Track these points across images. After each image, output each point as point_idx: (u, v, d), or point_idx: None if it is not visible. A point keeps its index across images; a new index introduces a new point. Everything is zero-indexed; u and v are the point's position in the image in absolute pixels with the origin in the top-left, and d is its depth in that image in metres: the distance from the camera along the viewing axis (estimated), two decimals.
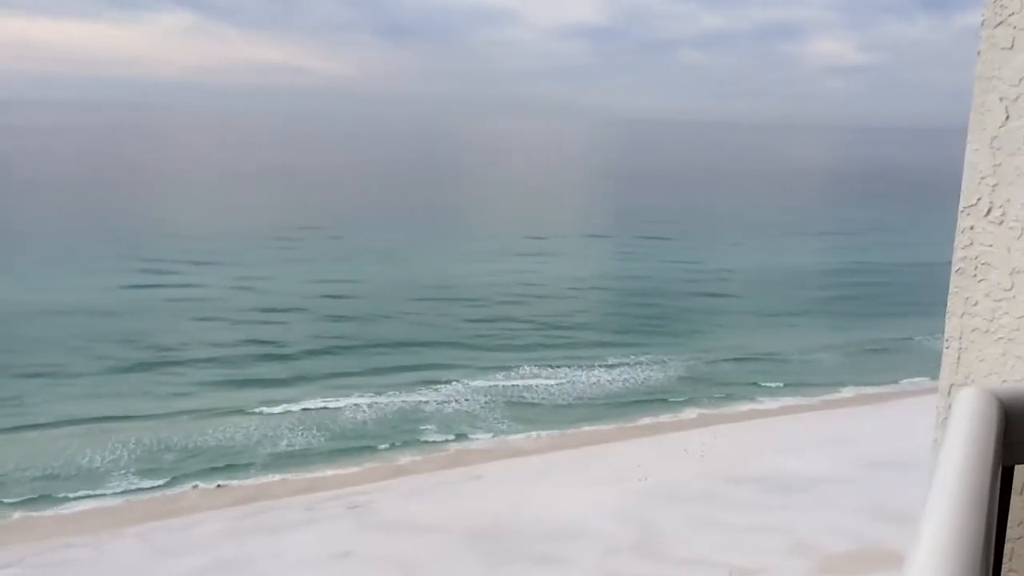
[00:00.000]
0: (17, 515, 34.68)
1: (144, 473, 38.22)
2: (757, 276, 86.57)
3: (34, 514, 34.83)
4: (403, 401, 48.49)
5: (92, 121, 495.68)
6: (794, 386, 53.77)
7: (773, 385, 53.70)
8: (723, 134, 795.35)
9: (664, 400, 50.80)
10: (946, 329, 2.66)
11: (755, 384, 53.84)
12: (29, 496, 35.97)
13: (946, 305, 2.67)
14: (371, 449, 42.27)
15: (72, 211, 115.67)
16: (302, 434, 43.63)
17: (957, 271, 2.64)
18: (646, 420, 48.02)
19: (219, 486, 37.80)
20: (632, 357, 57.65)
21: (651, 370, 55.68)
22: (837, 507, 35.02)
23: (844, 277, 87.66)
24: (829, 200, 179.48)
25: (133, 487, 37.13)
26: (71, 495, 36.12)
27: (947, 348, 2.65)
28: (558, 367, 55.28)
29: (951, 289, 2.65)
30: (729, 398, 51.76)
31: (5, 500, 35.56)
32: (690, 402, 50.75)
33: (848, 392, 53.02)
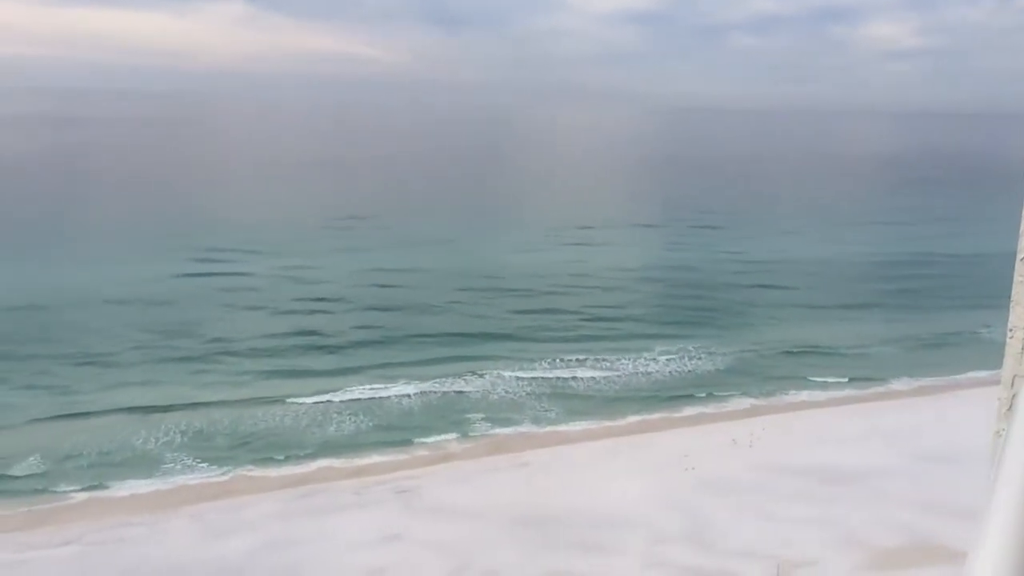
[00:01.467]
0: (76, 496, 35.76)
1: (197, 457, 39.10)
2: (812, 267, 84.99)
3: (92, 495, 35.87)
4: (449, 389, 48.80)
5: (148, 111, 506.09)
6: (847, 378, 52.84)
7: (825, 379, 52.77)
8: (776, 121, 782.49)
9: (712, 391, 50.31)
10: (1010, 319, 2.57)
11: (806, 376, 52.95)
12: (87, 478, 37.07)
13: (1010, 295, 2.58)
14: (418, 436, 42.62)
15: (128, 200, 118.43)
16: (349, 420, 44.22)
17: (1022, 259, 2.54)
18: (693, 410, 47.64)
19: (270, 470, 38.49)
20: (680, 348, 57.17)
21: (699, 361, 55.17)
22: (889, 500, 34.33)
23: (903, 268, 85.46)
24: (887, 188, 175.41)
25: (186, 470, 38.00)
26: (127, 478, 37.11)
27: (1011, 338, 2.56)
28: (604, 357, 55.06)
29: (1016, 278, 2.56)
30: (779, 389, 51.00)
31: (64, 481, 36.69)
32: (739, 393, 50.16)
33: (903, 384, 51.87)
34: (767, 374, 53.43)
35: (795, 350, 57.69)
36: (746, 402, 48.98)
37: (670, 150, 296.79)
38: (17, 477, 36.94)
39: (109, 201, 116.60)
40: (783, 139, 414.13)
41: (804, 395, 50.33)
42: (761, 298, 72.18)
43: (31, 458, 38.49)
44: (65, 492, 35.93)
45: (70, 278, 68.65)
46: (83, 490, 36.14)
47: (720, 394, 49.93)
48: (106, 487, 36.41)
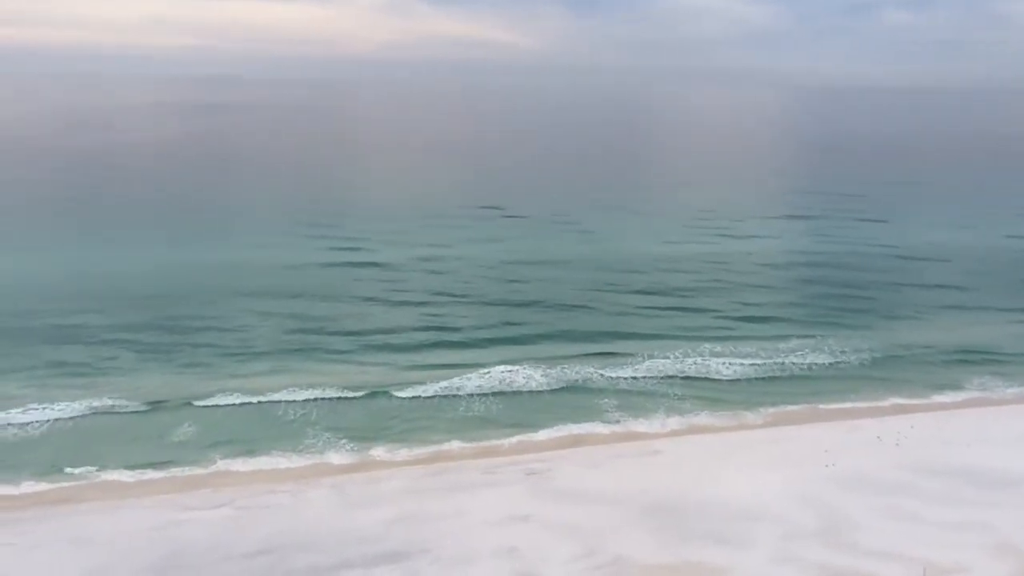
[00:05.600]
0: (226, 463, 38.19)
1: (335, 433, 40.92)
2: (977, 263, 79.58)
3: (240, 462, 38.22)
4: (581, 376, 48.85)
5: (292, 98, 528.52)
6: (1007, 378, 49.40)
7: (983, 379, 49.46)
8: (933, 100, 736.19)
9: (857, 386, 48.13)
10: None
11: (961, 377, 49.81)
12: (236, 447, 39.56)
13: None
14: (548, 421, 42.90)
15: (272, 185, 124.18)
16: (480, 401, 45.11)
17: None
18: (836, 405, 45.77)
19: (403, 448, 39.81)
20: (825, 342, 54.97)
21: (847, 355, 52.87)
22: None
23: None
24: None
25: (326, 445, 39.84)
26: (272, 449, 39.33)
27: None
28: (743, 348, 53.69)
29: None
30: (930, 388, 48.25)
31: (214, 449, 39.31)
32: (887, 390, 47.78)
33: None
34: (918, 372, 50.63)
35: (955, 349, 54.31)
36: (893, 399, 46.63)
37: (815, 132, 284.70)
38: (174, 444, 39.81)
39: (255, 186, 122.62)
40: (943, 120, 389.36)
41: (958, 395, 47.44)
42: (916, 295, 68.16)
43: (185, 425, 41.46)
44: (216, 459, 38.43)
45: (211, 264, 72.89)
46: (233, 458, 38.56)
47: (865, 390, 47.71)
48: (253, 456, 38.70)
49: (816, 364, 51.60)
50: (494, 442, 40.51)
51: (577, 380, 48.20)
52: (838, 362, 51.97)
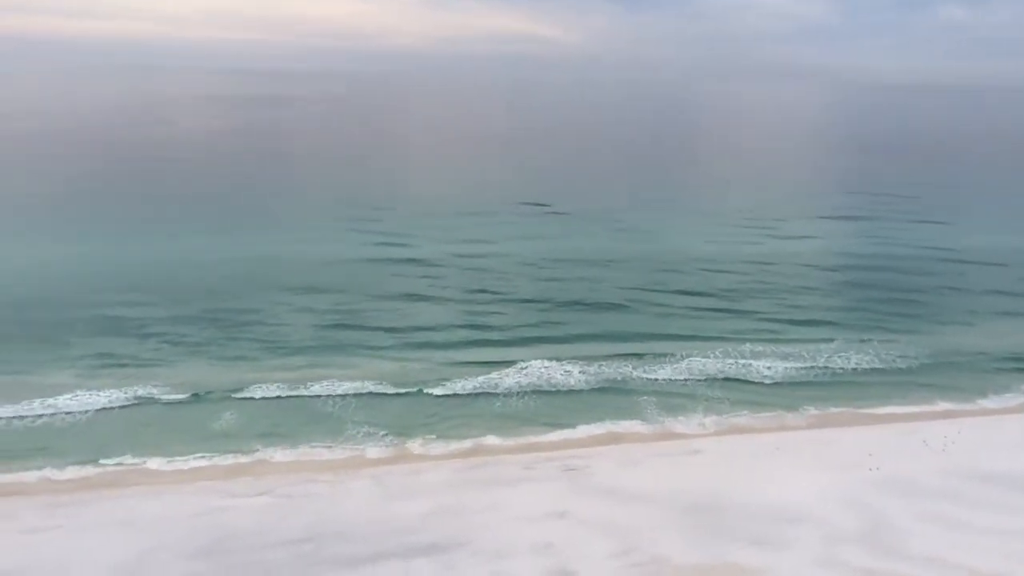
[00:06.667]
0: (266, 452, 38.74)
1: (375, 426, 41.28)
2: None
3: (281, 451, 38.74)
4: (621, 374, 48.60)
5: (341, 91, 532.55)
6: None
7: None
8: (992, 99, 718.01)
9: (902, 390, 47.25)
10: None
11: (1013, 382, 48.61)
12: (276, 436, 40.14)
13: None
14: (587, 417, 42.79)
15: (320, 179, 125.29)
16: (518, 398, 45.13)
17: None
18: (881, 408, 44.95)
19: (442, 441, 40.00)
20: (874, 346, 54.02)
21: (893, 359, 51.90)
22: None
23: None
24: None
25: (366, 437, 40.20)
26: (312, 440, 39.84)
27: None
28: (786, 350, 53.01)
29: None
30: (979, 394, 47.18)
31: (256, 439, 39.92)
32: (934, 394, 46.82)
33: None
34: (966, 378, 49.58)
35: (1004, 357, 53.03)
36: (941, 404, 45.69)
37: (866, 130, 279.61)
38: (216, 432, 40.50)
39: (300, 180, 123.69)
40: (998, 118, 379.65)
41: (1007, 401, 46.33)
42: (968, 300, 66.58)
43: (227, 415, 42.17)
44: (257, 448, 39.02)
45: (255, 256, 73.93)
46: (273, 447, 39.12)
47: (912, 394, 46.82)
48: (293, 446, 39.21)
49: (861, 367, 50.73)
50: (532, 438, 40.53)
51: (616, 378, 47.97)
52: (884, 366, 51.03)
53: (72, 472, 36.69)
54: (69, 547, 30.10)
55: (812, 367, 50.39)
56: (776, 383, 48.04)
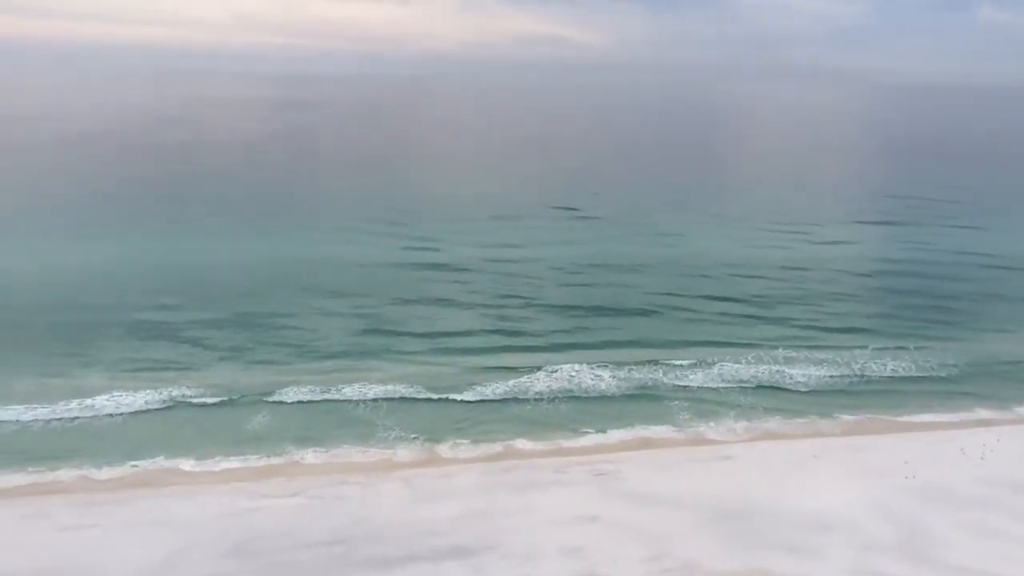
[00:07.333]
0: (299, 453, 39.00)
1: (405, 428, 41.41)
2: None
3: (314, 453, 38.99)
4: (652, 378, 48.36)
5: (370, 95, 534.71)
6: None
7: None
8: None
9: (940, 398, 46.51)
10: None
11: None
12: (309, 438, 40.41)
13: None
14: (619, 422, 42.58)
15: (348, 182, 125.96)
16: (549, 402, 45.04)
17: None
18: (918, 416, 44.25)
19: (471, 445, 40.02)
20: (910, 353, 53.25)
21: (931, 367, 51.13)
22: None
23: None
24: None
25: (397, 440, 40.34)
26: (344, 442, 40.06)
27: None
28: (820, 356, 52.42)
29: None
30: (1019, 402, 46.29)
31: (288, 440, 40.22)
32: (972, 402, 46.04)
33: None
34: (1006, 386, 48.79)
35: None
36: (980, 413, 44.92)
37: (904, 132, 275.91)
38: (249, 434, 40.85)
39: (332, 183, 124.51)
40: None
41: None
42: (1009, 308, 65.59)
43: (259, 417, 42.55)
44: (289, 450, 39.30)
45: (287, 260, 74.54)
46: (305, 449, 39.37)
47: (949, 402, 46.06)
48: (325, 449, 39.45)
49: (897, 375, 50.01)
50: (562, 442, 40.40)
51: (647, 384, 47.72)
52: (921, 374, 50.27)
53: (107, 472, 37.18)
54: (104, 545, 30.52)
55: (847, 374, 49.78)
56: (811, 390, 47.47)
